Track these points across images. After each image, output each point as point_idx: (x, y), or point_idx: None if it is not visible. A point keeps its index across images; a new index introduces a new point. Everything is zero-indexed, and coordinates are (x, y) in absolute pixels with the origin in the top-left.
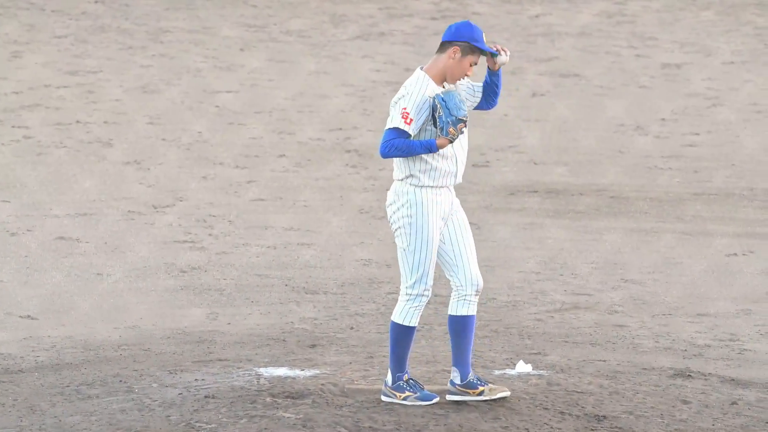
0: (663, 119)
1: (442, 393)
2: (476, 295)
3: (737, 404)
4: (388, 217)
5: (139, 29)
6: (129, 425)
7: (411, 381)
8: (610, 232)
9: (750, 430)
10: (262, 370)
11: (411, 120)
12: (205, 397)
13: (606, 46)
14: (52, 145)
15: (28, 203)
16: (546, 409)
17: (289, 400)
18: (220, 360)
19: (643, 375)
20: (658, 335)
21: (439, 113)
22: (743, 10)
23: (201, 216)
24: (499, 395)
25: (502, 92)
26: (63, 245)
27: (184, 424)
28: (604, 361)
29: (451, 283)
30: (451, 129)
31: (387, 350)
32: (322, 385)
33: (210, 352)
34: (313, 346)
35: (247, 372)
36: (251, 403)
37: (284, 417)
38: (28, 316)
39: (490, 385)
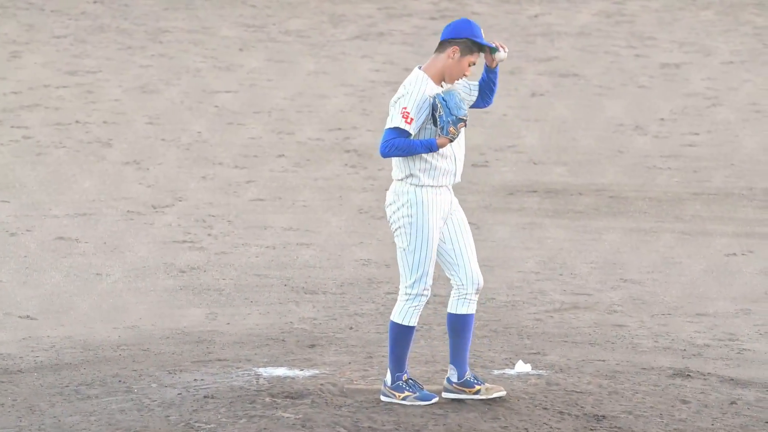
0: (662, 119)
1: (441, 393)
2: (476, 293)
3: (736, 404)
4: (388, 217)
5: (138, 29)
6: (128, 425)
7: (410, 381)
8: (610, 231)
9: (749, 430)
10: (261, 370)
11: (411, 119)
12: (205, 397)
13: (605, 46)
14: (52, 145)
15: (28, 203)
16: (545, 408)
17: (288, 400)
18: (220, 360)
19: (642, 375)
20: (657, 335)
21: (440, 113)
22: (742, 9)
23: (200, 216)
24: (495, 395)
25: (502, 92)
26: (62, 245)
27: (183, 424)
28: (604, 360)
29: (451, 281)
30: (451, 128)
31: (386, 350)
32: (322, 385)
33: (209, 352)
34: (313, 346)
35: (246, 372)
36: (250, 403)
37: (283, 417)
38: (28, 316)
39: (486, 384)
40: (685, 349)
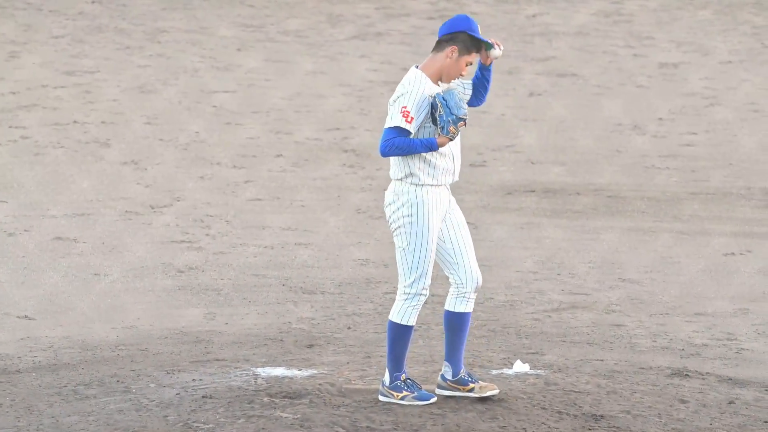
0: (660, 119)
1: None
2: (475, 292)
3: (735, 403)
4: (387, 217)
5: (137, 29)
6: (126, 425)
7: (408, 381)
8: (608, 231)
9: (748, 430)
10: (259, 370)
11: (412, 118)
12: (203, 397)
13: (603, 46)
14: (50, 145)
15: (26, 203)
16: (543, 408)
17: (286, 400)
18: (218, 360)
19: (640, 374)
20: (655, 335)
21: (440, 112)
22: (740, 9)
23: (198, 216)
24: (488, 393)
25: (500, 92)
26: (60, 245)
27: (181, 424)
28: (602, 360)
29: (450, 280)
30: (451, 128)
31: (384, 350)
32: (320, 385)
33: (207, 352)
34: (311, 346)
35: (244, 372)
36: (249, 403)
37: (282, 417)
38: (26, 317)
39: (480, 382)
40: (683, 349)
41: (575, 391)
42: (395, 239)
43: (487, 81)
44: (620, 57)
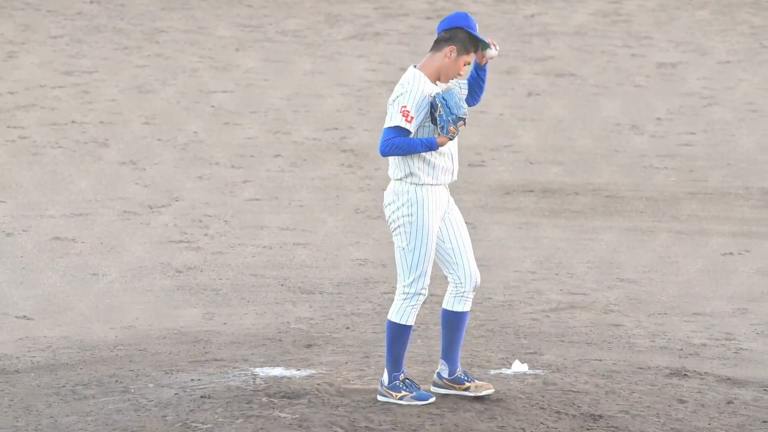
0: (658, 118)
1: (439, 393)
2: (473, 291)
3: (733, 403)
4: (387, 216)
5: (135, 29)
6: (125, 425)
7: (407, 380)
8: (606, 231)
9: (746, 429)
10: (258, 370)
11: (411, 118)
12: (201, 397)
13: (601, 46)
14: (48, 145)
15: (24, 203)
16: (542, 408)
17: (285, 400)
18: (216, 360)
19: (639, 374)
20: (654, 334)
21: (440, 112)
22: (738, 9)
23: (196, 216)
24: (484, 392)
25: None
26: (59, 245)
27: (180, 424)
28: (600, 360)
29: (448, 279)
30: (451, 127)
31: (383, 350)
32: (318, 384)
33: (206, 352)
34: (309, 345)
35: (243, 372)
36: (247, 403)
37: (280, 417)
38: (24, 317)
39: (476, 381)
40: (681, 349)
41: (574, 391)
42: (395, 239)
43: (483, 81)
44: (618, 57)
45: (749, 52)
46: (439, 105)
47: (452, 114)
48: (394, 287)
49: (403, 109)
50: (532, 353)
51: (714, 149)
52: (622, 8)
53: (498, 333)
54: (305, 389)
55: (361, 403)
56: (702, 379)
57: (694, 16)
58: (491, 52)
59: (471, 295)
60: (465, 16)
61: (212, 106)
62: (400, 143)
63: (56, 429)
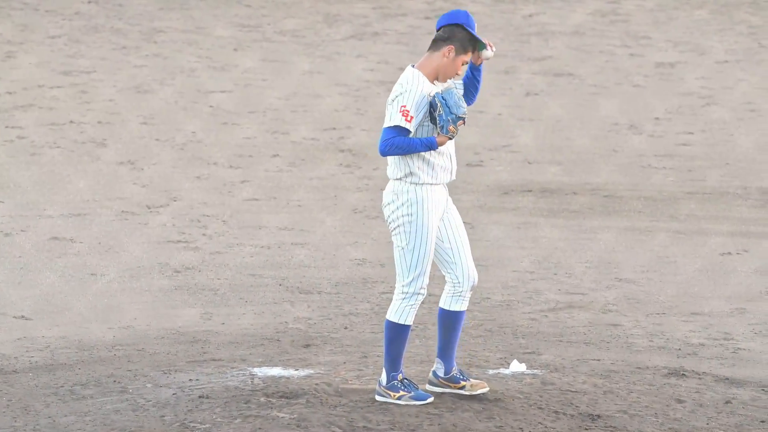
0: (657, 118)
1: (436, 393)
2: (470, 291)
3: (731, 403)
4: (386, 216)
5: (133, 29)
6: (123, 425)
7: (405, 380)
8: (604, 231)
9: (744, 429)
10: (256, 370)
11: (411, 117)
12: (200, 397)
13: (600, 45)
14: (46, 145)
15: (22, 203)
16: (540, 408)
17: (283, 399)
18: (214, 360)
19: (637, 374)
20: (652, 334)
21: (439, 111)
22: (737, 9)
23: (195, 216)
24: (479, 391)
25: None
26: (57, 245)
27: (178, 424)
28: (599, 360)
29: (446, 278)
30: (451, 127)
31: (381, 350)
32: (316, 384)
33: (204, 352)
34: (307, 345)
35: (241, 372)
36: (245, 403)
37: (278, 417)
38: (22, 317)
39: (471, 380)
40: (680, 349)
41: (572, 391)
42: (394, 238)
43: (478, 81)
44: (617, 57)
45: (748, 52)
46: (439, 105)
47: (452, 113)
48: (393, 287)
49: (403, 108)
50: (530, 353)
51: (712, 149)
52: (621, 8)
53: (496, 333)
54: (303, 389)
55: (359, 403)
56: (700, 378)
57: (693, 15)
58: (487, 53)
59: (468, 295)
60: (465, 15)
61: (210, 106)
62: (399, 143)
63: (54, 429)
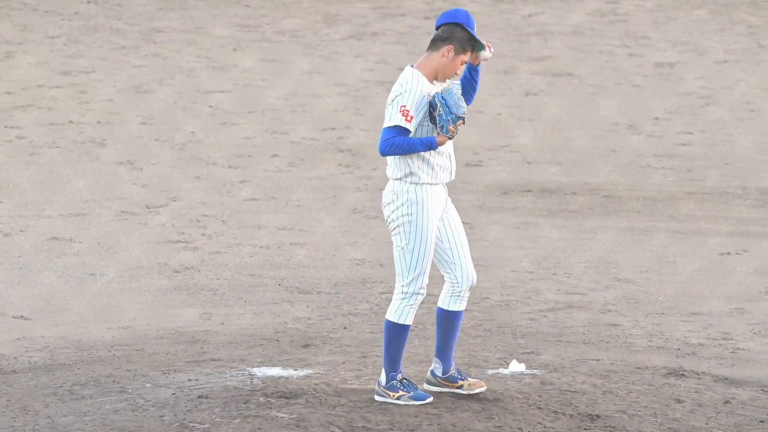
0: (656, 118)
1: (436, 393)
2: (469, 291)
3: (730, 403)
4: (386, 216)
5: (132, 29)
6: (122, 425)
7: (404, 380)
8: (604, 231)
9: (743, 429)
10: (255, 370)
11: (411, 117)
12: (199, 397)
13: (599, 45)
14: (45, 145)
15: (21, 203)
16: (539, 408)
17: (282, 399)
18: (214, 360)
19: (636, 374)
20: (651, 334)
21: (439, 111)
22: (736, 9)
23: (194, 216)
24: (476, 390)
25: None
26: (56, 245)
27: (177, 424)
28: (598, 360)
29: (445, 278)
30: (451, 127)
31: (380, 350)
32: (316, 384)
33: (203, 352)
34: (307, 345)
35: (240, 372)
36: (244, 403)
37: (277, 417)
38: (21, 317)
39: (469, 380)
40: (679, 349)
41: (571, 391)
42: (394, 238)
43: (476, 81)
44: (616, 56)
45: (747, 52)
46: (439, 104)
47: (452, 113)
48: (392, 287)
49: (403, 108)
50: (529, 353)
51: (711, 149)
52: (620, 8)
53: (495, 333)
54: (302, 389)
55: (358, 403)
56: (699, 378)
57: (692, 15)
58: (485, 54)
59: (467, 295)
60: (466, 15)
61: (210, 106)
62: (400, 143)
63: (53, 429)
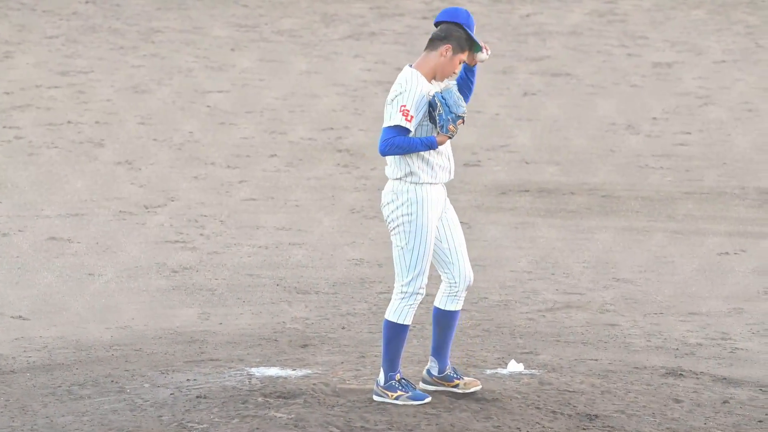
0: (654, 118)
1: (434, 393)
2: (466, 290)
3: (729, 403)
4: (385, 216)
5: (130, 29)
6: (121, 425)
7: (403, 380)
8: (602, 231)
9: (742, 429)
10: (253, 370)
11: (411, 117)
12: (197, 397)
13: (597, 45)
14: (44, 145)
15: (20, 203)
16: (538, 408)
17: (280, 399)
18: (212, 360)
19: (634, 374)
20: (649, 334)
21: (439, 111)
22: (734, 8)
23: (192, 216)
24: (472, 389)
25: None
26: (54, 245)
27: (175, 424)
28: (596, 360)
29: (443, 278)
30: (451, 126)
31: (379, 350)
32: (314, 384)
33: (202, 352)
34: (305, 345)
35: (238, 372)
36: (243, 403)
37: (276, 417)
38: (20, 317)
39: (465, 378)
40: (677, 348)
41: (569, 391)
42: (393, 238)
43: (472, 82)
44: (614, 57)
45: (745, 52)
46: (439, 104)
47: (452, 113)
48: (390, 287)
49: (403, 108)
50: (527, 353)
51: (710, 149)
52: (618, 8)
53: (494, 333)
54: (301, 389)
55: (357, 403)
56: (698, 378)
57: (690, 15)
58: (482, 55)
59: (463, 295)
60: (466, 15)
61: (208, 106)
62: (400, 142)
63: (52, 429)
